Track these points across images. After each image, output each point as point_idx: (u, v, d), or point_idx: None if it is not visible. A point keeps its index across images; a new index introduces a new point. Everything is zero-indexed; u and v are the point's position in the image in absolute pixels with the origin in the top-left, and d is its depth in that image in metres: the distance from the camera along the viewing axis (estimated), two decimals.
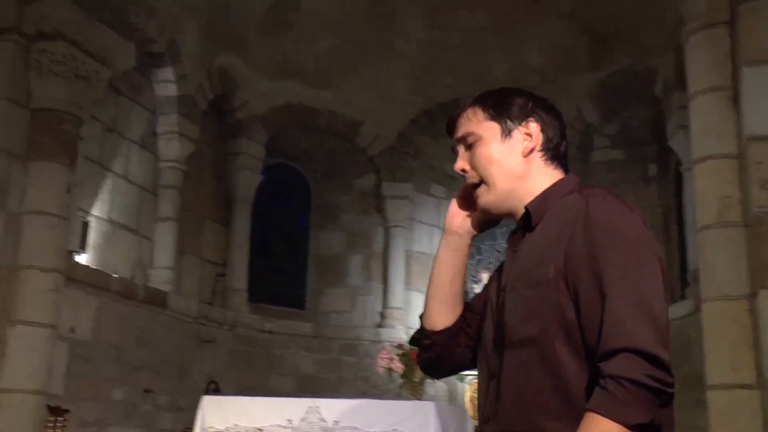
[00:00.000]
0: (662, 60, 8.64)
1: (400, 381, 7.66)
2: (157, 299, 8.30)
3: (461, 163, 2.00)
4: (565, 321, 1.73)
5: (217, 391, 8.45)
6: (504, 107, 1.96)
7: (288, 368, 9.94)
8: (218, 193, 9.94)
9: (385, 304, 10.68)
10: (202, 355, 9.08)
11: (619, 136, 10.43)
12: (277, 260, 10.98)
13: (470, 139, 1.98)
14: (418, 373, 7.36)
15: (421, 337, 2.13)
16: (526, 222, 1.91)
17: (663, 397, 1.62)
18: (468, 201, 2.05)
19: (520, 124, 1.94)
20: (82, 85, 6.74)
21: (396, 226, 10.87)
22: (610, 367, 1.60)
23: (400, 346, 7.57)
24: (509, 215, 1.98)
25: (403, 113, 10.64)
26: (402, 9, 9.76)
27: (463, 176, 2.02)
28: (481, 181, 1.96)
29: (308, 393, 8.54)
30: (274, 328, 9.91)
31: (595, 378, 1.66)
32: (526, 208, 1.90)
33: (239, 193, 9.97)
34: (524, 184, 1.92)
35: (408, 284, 10.84)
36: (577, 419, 1.66)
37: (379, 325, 10.57)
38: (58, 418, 5.54)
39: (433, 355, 2.12)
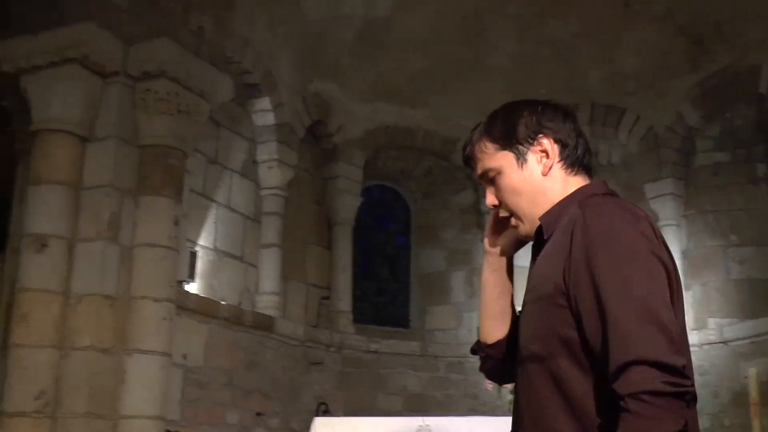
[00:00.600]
0: (766, 55, 8.44)
1: (510, 397, 7.66)
2: (264, 324, 8.52)
3: (490, 199, 2.00)
4: (566, 337, 1.72)
5: (327, 413, 8.60)
6: (510, 132, 1.93)
7: (395, 387, 10.01)
8: (319, 217, 10.13)
9: None
10: (310, 377, 9.24)
11: (723, 137, 10.17)
12: (380, 281, 11.11)
13: (490, 174, 1.96)
14: None
15: (477, 349, 2.18)
16: (540, 235, 1.90)
17: (687, 399, 1.56)
18: (502, 222, 2.05)
19: (531, 145, 1.91)
20: (184, 119, 6.95)
21: None
22: (624, 385, 1.56)
23: None
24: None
25: None
26: (492, 24, 9.80)
27: (495, 210, 2.03)
28: (513, 215, 1.97)
29: (416, 412, 8.62)
30: (380, 348, 9.99)
31: (606, 398, 1.63)
32: (539, 219, 1.90)
33: (340, 216, 10.13)
34: (549, 200, 1.91)
35: None
36: None
37: None
38: None
39: (489, 366, 2.16)
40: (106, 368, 6.44)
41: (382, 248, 11.25)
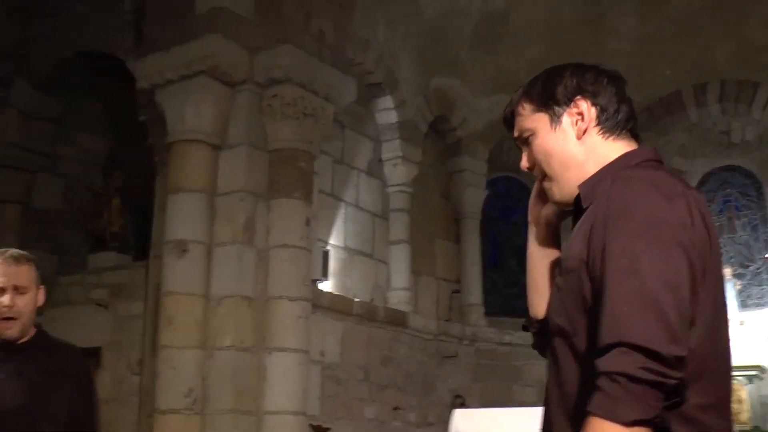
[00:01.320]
0: None
1: None
2: (397, 319, 8.66)
3: (524, 161, 1.92)
4: (588, 313, 1.65)
5: (463, 405, 8.66)
6: (548, 94, 1.84)
7: (530, 379, 9.97)
8: (446, 211, 10.20)
9: None
10: (444, 370, 9.33)
11: None
12: (509, 272, 11.08)
13: (525, 135, 1.89)
14: None
15: (528, 326, 2.08)
16: (578, 205, 1.80)
17: (666, 390, 1.48)
18: (544, 193, 1.95)
19: (568, 106, 1.82)
20: (310, 123, 7.10)
21: None
22: (603, 363, 1.50)
23: None
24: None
25: None
26: (612, 7, 9.64)
27: (530, 173, 1.93)
28: (545, 177, 1.88)
29: None
30: (513, 340, 9.95)
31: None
32: (579, 188, 1.80)
33: (466, 209, 10.17)
34: (587, 168, 1.81)
35: None
36: None
37: None
38: None
39: (540, 340, 2.04)
40: (248, 366, 6.66)
41: (510, 240, 11.22)
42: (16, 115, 8.76)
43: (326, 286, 7.89)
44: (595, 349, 1.53)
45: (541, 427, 1.83)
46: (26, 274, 2.92)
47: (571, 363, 1.70)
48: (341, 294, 8.04)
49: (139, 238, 8.41)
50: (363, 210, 8.76)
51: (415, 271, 9.30)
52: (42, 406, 2.86)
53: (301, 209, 6.98)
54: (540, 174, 1.89)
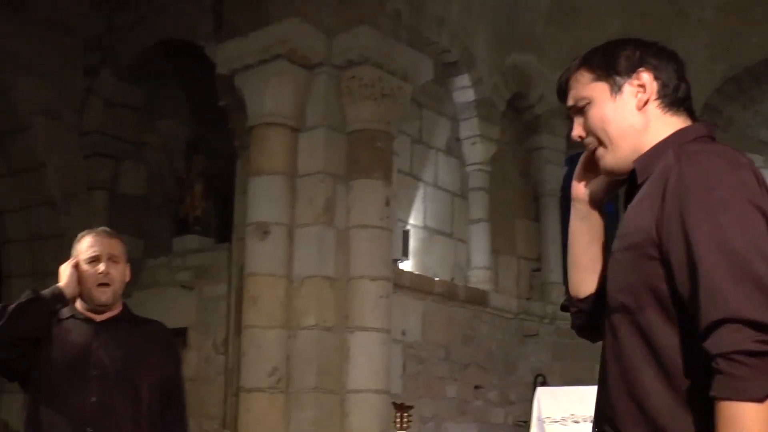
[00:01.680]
0: None
1: None
2: (477, 298, 8.66)
3: (577, 130, 1.90)
4: (657, 290, 1.63)
5: (544, 384, 8.64)
6: (610, 63, 1.83)
7: None
8: (525, 189, 10.12)
9: None
10: (525, 349, 9.30)
11: None
12: None
13: (581, 104, 1.87)
14: None
15: (568, 304, 2.09)
16: (633, 180, 1.80)
17: None
18: (592, 167, 1.95)
19: (629, 77, 1.82)
20: (388, 103, 7.11)
21: None
22: (715, 345, 1.47)
23: None
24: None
25: (706, 84, 10.19)
26: None
27: (580, 142, 1.92)
28: (600, 144, 1.86)
29: None
30: None
31: (696, 354, 1.56)
32: (633, 163, 1.80)
33: (546, 187, 10.06)
34: (644, 138, 1.81)
35: None
36: (679, 393, 1.60)
37: None
38: (404, 414, 6.01)
39: (581, 321, 2.06)
40: (331, 346, 6.75)
41: None
42: (102, 104, 9.01)
43: (407, 265, 7.92)
44: (699, 331, 1.51)
45: (597, 403, 1.83)
46: (118, 246, 3.22)
47: (634, 339, 1.68)
48: (422, 273, 8.07)
49: (221, 221, 8.57)
50: (442, 189, 8.76)
51: (495, 250, 9.27)
52: (137, 370, 3.11)
53: (380, 189, 7.02)
54: (593, 143, 1.88)
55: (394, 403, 6.20)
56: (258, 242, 6.83)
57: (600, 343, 1.94)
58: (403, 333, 7.58)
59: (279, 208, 6.88)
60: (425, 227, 8.45)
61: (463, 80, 8.86)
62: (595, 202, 2.00)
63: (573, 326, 2.11)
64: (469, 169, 9.05)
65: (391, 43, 7.21)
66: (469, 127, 8.96)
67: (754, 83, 10.01)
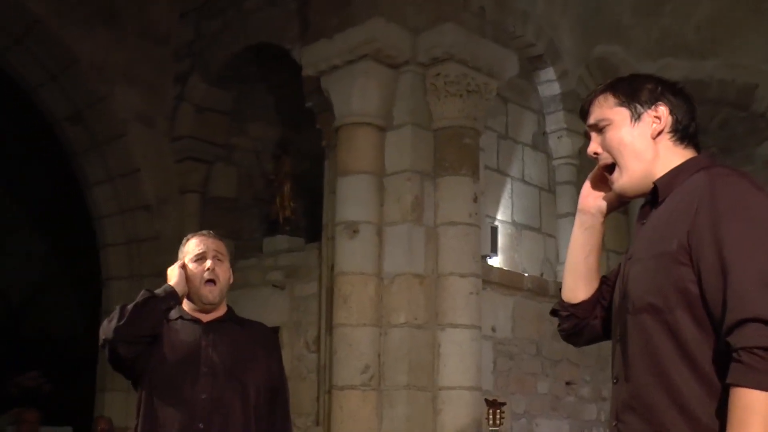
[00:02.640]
0: None
1: None
2: None
3: (594, 146, 2.08)
4: (686, 292, 1.78)
5: None
6: (634, 93, 2.02)
7: None
8: None
9: None
10: None
11: None
12: None
13: (602, 124, 2.04)
14: None
15: (560, 309, 2.24)
16: (654, 196, 1.97)
17: None
18: (600, 182, 2.14)
19: (649, 108, 2.00)
20: (474, 99, 7.09)
21: None
22: (739, 339, 1.64)
23: None
24: (643, 195, 2.03)
25: None
26: None
27: (595, 159, 2.10)
28: (614, 164, 2.03)
29: None
30: None
31: (720, 347, 1.71)
32: (654, 183, 1.96)
33: None
34: (655, 165, 1.98)
35: None
36: (705, 383, 1.74)
37: None
38: (497, 411, 5.98)
39: (570, 325, 2.23)
40: (422, 343, 6.76)
41: None
42: (192, 110, 9.19)
43: (496, 261, 7.88)
44: (724, 327, 1.68)
45: (616, 397, 1.96)
46: (222, 247, 3.33)
47: (663, 336, 1.81)
48: (511, 269, 8.02)
49: (310, 221, 8.65)
50: (529, 184, 8.68)
51: None
52: (244, 369, 3.20)
53: (468, 186, 7.01)
54: (606, 159, 2.05)
55: (486, 400, 6.18)
56: (347, 241, 6.88)
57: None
58: (493, 329, 7.55)
59: (367, 207, 6.93)
60: (513, 223, 8.39)
61: (549, 73, 8.77)
62: (600, 216, 2.18)
63: (561, 330, 2.28)
64: (555, 163, 8.95)
65: (475, 39, 7.18)
66: (555, 121, 8.86)
67: None
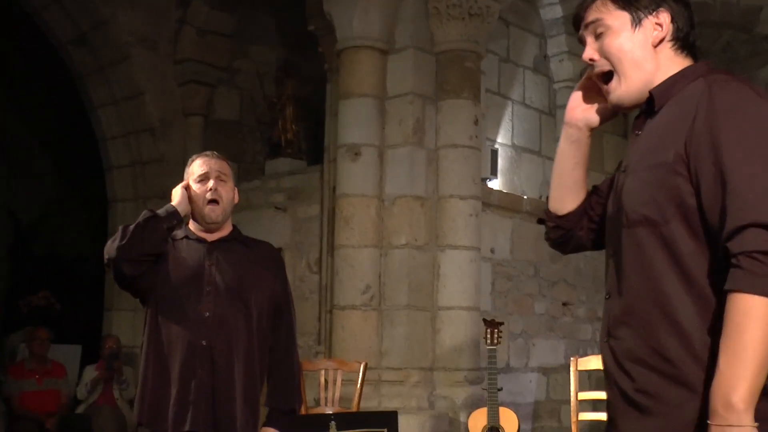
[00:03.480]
0: None
1: None
2: None
3: (590, 52, 1.97)
4: (683, 203, 1.72)
5: None
6: None
7: None
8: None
9: None
10: None
11: None
12: None
13: (600, 29, 1.94)
14: None
15: (546, 219, 2.21)
16: (650, 106, 1.89)
17: None
18: (590, 92, 2.05)
19: (650, 14, 1.90)
20: (476, 22, 6.97)
21: None
22: (739, 244, 1.59)
23: None
24: (639, 106, 1.94)
25: None
26: None
27: (591, 65, 1.98)
28: (611, 72, 1.93)
29: None
30: None
31: (717, 259, 1.66)
32: (650, 92, 1.88)
33: None
34: (655, 74, 1.89)
35: None
36: (700, 297, 1.70)
37: None
38: (494, 330, 6.03)
39: (557, 235, 2.20)
40: (422, 264, 6.80)
41: None
42: (194, 33, 9.08)
43: (495, 184, 7.87)
44: (724, 234, 1.63)
45: (608, 312, 1.92)
46: (225, 167, 3.32)
47: (657, 248, 1.76)
48: (510, 192, 8.00)
49: (312, 144, 8.61)
50: (530, 107, 8.61)
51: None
52: (247, 287, 3.22)
53: (469, 109, 6.95)
54: (604, 66, 1.94)
55: (485, 320, 6.23)
56: (349, 164, 6.86)
57: None
58: (492, 251, 7.57)
59: (369, 130, 6.88)
60: (513, 146, 8.35)
61: None
62: (587, 129, 2.11)
63: (547, 239, 2.26)
64: (557, 86, 8.86)
65: None
66: (557, 44, 8.73)
67: None
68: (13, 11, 9.21)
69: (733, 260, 1.59)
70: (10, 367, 8.07)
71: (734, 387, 1.56)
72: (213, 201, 3.20)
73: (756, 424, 1.56)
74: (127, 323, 8.84)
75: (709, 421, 1.60)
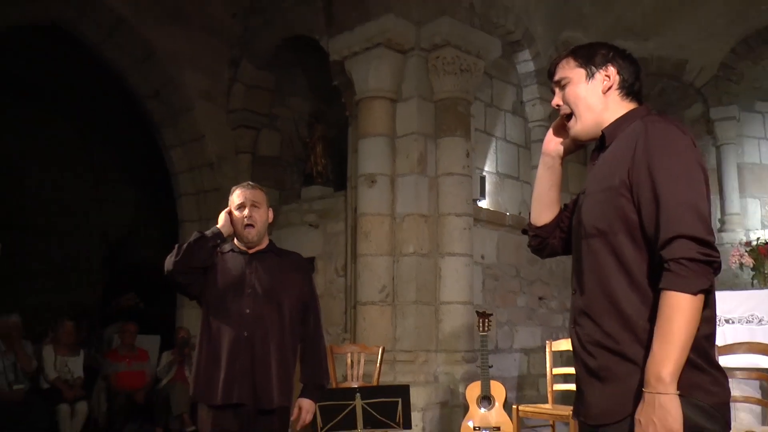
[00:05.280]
0: None
1: (752, 273, 7.13)
2: None
3: (556, 99, 2.03)
4: (626, 219, 1.76)
5: None
6: (590, 56, 1.97)
7: None
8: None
9: (723, 211, 9.58)
10: None
11: None
12: None
13: (563, 82, 1.99)
14: None
15: (528, 229, 2.25)
16: (602, 142, 1.94)
17: (714, 266, 1.64)
18: (561, 130, 2.10)
19: (601, 68, 1.95)
20: (466, 76, 6.99)
21: (726, 144, 9.68)
22: (670, 252, 1.64)
23: (748, 244, 7.04)
24: (594, 140, 1.97)
25: (722, 45, 9.62)
26: None
27: (557, 110, 2.03)
28: (571, 114, 1.98)
29: None
30: None
31: (654, 262, 1.70)
32: (602, 131, 1.93)
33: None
34: (604, 115, 1.94)
35: (742, 192, 9.70)
36: (640, 293, 1.73)
37: (720, 230, 9.66)
38: (485, 320, 5.97)
39: (536, 242, 2.22)
40: (426, 268, 6.77)
41: None
42: (243, 88, 9.09)
43: (484, 203, 7.83)
44: (657, 242, 1.67)
45: (573, 304, 1.93)
46: (259, 195, 3.27)
47: (607, 255, 1.79)
48: (495, 210, 7.96)
49: (337, 174, 8.59)
50: (510, 142, 8.58)
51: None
52: (281, 288, 3.20)
53: (462, 144, 6.93)
54: (566, 110, 2.00)
55: (477, 312, 6.17)
56: (367, 189, 6.84)
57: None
58: (482, 257, 7.53)
59: (383, 162, 6.87)
60: (497, 173, 8.32)
61: (525, 55, 8.60)
62: (558, 158, 2.15)
63: (529, 245, 2.28)
64: (531, 125, 8.81)
65: (467, 28, 7.05)
66: (531, 92, 8.70)
67: (763, 42, 9.40)
68: (103, 73, 9.27)
69: (666, 265, 1.64)
70: (107, 353, 8.08)
71: (663, 364, 1.61)
72: (249, 225, 3.18)
73: (678, 392, 1.62)
74: (194, 317, 8.81)
75: (643, 389, 1.65)
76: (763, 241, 7.31)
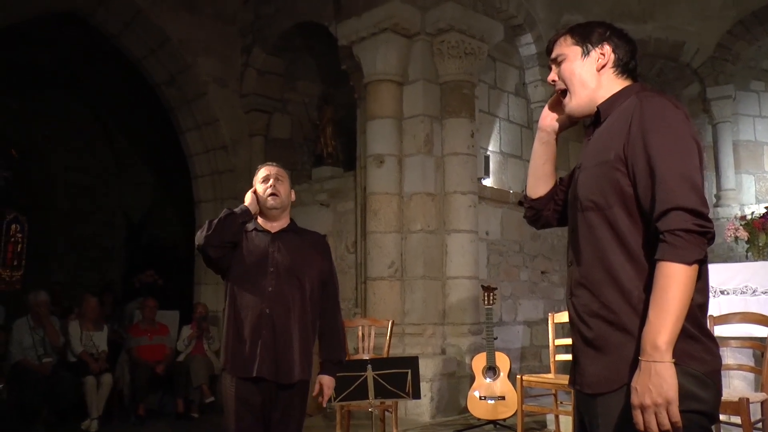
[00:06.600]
0: None
1: (746, 246, 7.08)
2: None
3: (552, 75, 2.00)
4: (622, 192, 1.73)
5: None
6: (586, 35, 1.93)
7: None
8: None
9: (719, 187, 9.53)
10: None
11: None
12: None
13: (560, 58, 1.96)
14: (762, 238, 6.75)
15: (524, 201, 2.21)
16: (597, 118, 1.90)
17: (708, 237, 1.62)
18: (556, 106, 2.06)
19: (596, 47, 1.92)
20: (470, 59, 6.92)
21: (722, 122, 9.62)
22: (666, 224, 1.61)
23: (743, 218, 6.98)
24: (589, 116, 1.92)
25: (719, 27, 9.50)
26: None
27: (553, 85, 1.99)
28: (566, 90, 1.95)
29: None
30: None
31: (649, 234, 1.68)
32: (597, 107, 1.90)
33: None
34: (598, 92, 1.90)
35: (737, 168, 9.65)
36: (636, 265, 1.70)
37: (716, 205, 9.63)
38: (490, 294, 5.95)
39: (531, 214, 2.20)
40: (433, 244, 6.75)
41: None
42: (255, 73, 9.03)
43: (488, 182, 7.80)
44: (653, 214, 1.64)
45: (570, 276, 1.89)
46: (283, 173, 3.27)
47: (604, 228, 1.76)
48: (499, 188, 7.92)
49: (347, 155, 8.55)
50: (513, 123, 8.52)
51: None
52: (302, 266, 3.17)
53: (466, 125, 6.88)
54: (561, 86, 1.96)
55: (482, 286, 6.16)
56: (376, 169, 6.81)
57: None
58: (487, 233, 7.50)
59: (390, 143, 6.83)
60: (501, 152, 8.27)
61: (527, 38, 8.51)
62: (554, 133, 2.11)
63: (525, 216, 2.25)
64: (533, 106, 8.74)
65: (470, 13, 6.96)
66: (533, 74, 8.63)
67: (758, 23, 9.26)
68: (121, 60, 9.23)
69: (661, 236, 1.62)
70: (129, 327, 8.12)
71: (659, 332, 1.59)
72: (273, 194, 3.16)
73: (673, 360, 1.59)
74: (211, 293, 8.84)
75: (639, 357, 1.63)
76: (758, 215, 7.25)
